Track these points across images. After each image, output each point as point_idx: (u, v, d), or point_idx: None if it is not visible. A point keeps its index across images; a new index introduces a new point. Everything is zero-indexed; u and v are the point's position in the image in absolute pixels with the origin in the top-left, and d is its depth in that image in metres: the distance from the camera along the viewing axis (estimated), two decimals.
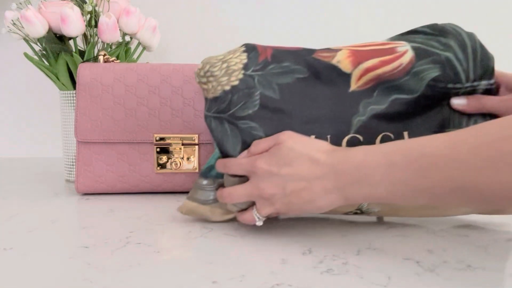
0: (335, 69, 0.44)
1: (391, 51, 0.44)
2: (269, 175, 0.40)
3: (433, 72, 0.44)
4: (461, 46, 0.44)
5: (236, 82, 0.44)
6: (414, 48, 0.44)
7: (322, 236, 0.43)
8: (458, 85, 0.44)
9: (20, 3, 0.72)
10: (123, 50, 0.75)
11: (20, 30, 0.71)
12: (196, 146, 0.61)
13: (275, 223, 0.48)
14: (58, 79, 0.72)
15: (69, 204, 0.57)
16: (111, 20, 0.68)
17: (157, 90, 0.61)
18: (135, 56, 0.80)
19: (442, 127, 0.46)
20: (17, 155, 1.03)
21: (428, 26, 0.46)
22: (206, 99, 0.47)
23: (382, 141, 0.46)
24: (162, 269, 0.35)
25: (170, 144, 0.61)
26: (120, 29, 0.72)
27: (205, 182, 0.48)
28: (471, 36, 0.44)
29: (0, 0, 0.97)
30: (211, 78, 0.45)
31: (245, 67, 0.44)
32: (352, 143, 0.45)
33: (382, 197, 0.36)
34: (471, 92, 0.45)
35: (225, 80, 0.44)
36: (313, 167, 0.38)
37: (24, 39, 0.72)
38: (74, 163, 0.72)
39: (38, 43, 0.72)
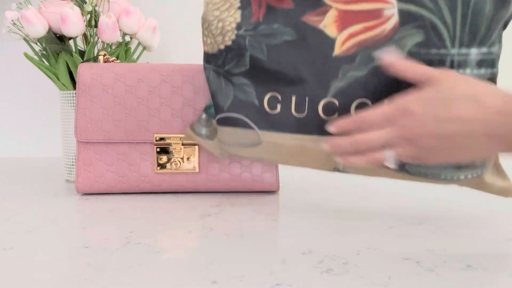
0: (321, 33, 0.45)
1: (378, 14, 0.44)
2: (426, 117, 0.36)
3: (416, 38, 0.43)
4: (451, 8, 0.42)
5: (229, 43, 0.48)
6: (400, 12, 0.43)
7: (322, 236, 0.43)
8: (443, 51, 0.42)
9: (20, 3, 0.72)
10: (123, 50, 0.75)
11: (20, 30, 0.71)
12: (196, 146, 0.61)
13: (275, 223, 0.48)
14: (58, 79, 0.72)
15: (69, 204, 0.57)
16: (111, 20, 0.68)
17: (157, 90, 0.61)
18: (135, 56, 0.80)
19: None
20: (17, 155, 1.03)
21: None
22: (204, 52, 0.51)
23: (357, 108, 0.46)
24: (162, 269, 0.35)
25: (170, 144, 0.61)
26: (120, 29, 0.72)
27: (203, 116, 0.56)
28: None
29: (0, 0, 0.97)
30: (209, 35, 0.50)
31: (238, 27, 0.48)
32: (328, 107, 0.46)
33: None
34: (461, 63, 0.42)
35: (220, 40, 0.49)
36: (478, 109, 0.34)
37: (24, 39, 0.72)
38: (74, 163, 0.72)
39: (38, 43, 0.72)
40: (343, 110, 0.47)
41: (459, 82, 0.36)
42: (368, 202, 0.58)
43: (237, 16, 0.48)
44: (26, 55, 0.72)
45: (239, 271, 0.34)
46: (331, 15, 0.45)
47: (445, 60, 0.42)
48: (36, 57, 0.74)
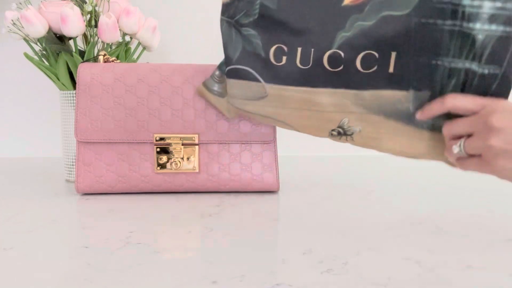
0: None
1: None
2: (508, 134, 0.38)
3: None
4: None
5: None
6: None
7: (322, 236, 0.43)
8: (455, 0, 0.41)
9: (20, 3, 0.72)
10: (123, 50, 0.74)
11: (20, 30, 0.71)
12: (196, 146, 0.61)
13: (275, 223, 0.48)
14: (58, 79, 0.72)
15: (69, 204, 0.57)
16: (111, 20, 0.68)
17: (157, 90, 0.61)
18: (135, 56, 0.80)
19: (436, 54, 0.43)
20: (17, 155, 1.03)
21: None
22: (222, 3, 0.51)
23: (363, 59, 0.45)
24: (162, 269, 0.35)
25: (170, 144, 0.61)
26: (120, 29, 0.72)
27: (217, 73, 0.56)
28: None
29: (0, 0, 0.97)
30: None
31: None
32: (333, 58, 0.46)
33: None
34: (473, 16, 0.40)
35: None
36: None
37: (24, 39, 0.72)
38: (74, 163, 0.72)
39: (38, 43, 0.72)
40: (349, 63, 0.46)
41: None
42: (368, 202, 0.58)
43: None
44: (26, 55, 0.72)
45: (239, 271, 0.34)
46: None
47: (457, 11, 0.41)
48: (36, 57, 0.73)
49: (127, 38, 0.73)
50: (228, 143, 0.62)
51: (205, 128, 0.61)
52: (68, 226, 0.46)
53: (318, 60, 0.47)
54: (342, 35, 0.45)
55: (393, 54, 0.44)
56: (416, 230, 0.46)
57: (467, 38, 0.42)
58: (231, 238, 0.42)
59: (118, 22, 0.71)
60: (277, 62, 0.49)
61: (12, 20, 0.71)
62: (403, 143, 0.49)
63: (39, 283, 0.32)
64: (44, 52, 0.73)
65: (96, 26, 0.70)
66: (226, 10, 0.51)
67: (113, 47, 0.74)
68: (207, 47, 1.00)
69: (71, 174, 0.72)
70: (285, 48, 0.48)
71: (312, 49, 0.47)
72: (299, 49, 0.48)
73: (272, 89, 0.50)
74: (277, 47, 0.49)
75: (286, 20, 0.47)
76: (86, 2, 0.70)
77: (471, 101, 0.42)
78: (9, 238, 0.42)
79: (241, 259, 0.37)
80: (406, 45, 0.44)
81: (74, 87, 0.71)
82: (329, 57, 0.46)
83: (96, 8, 0.70)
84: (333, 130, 0.50)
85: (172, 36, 0.99)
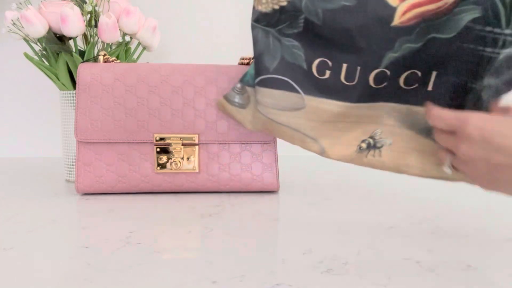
0: (382, 1, 0.44)
1: None
2: (477, 143, 0.38)
3: (474, 14, 0.43)
4: None
5: (285, 3, 0.47)
6: None
7: (322, 236, 0.43)
8: (497, 30, 0.43)
9: (20, 3, 0.72)
10: (123, 50, 0.75)
11: (20, 30, 0.71)
12: (196, 146, 0.61)
13: (275, 223, 0.48)
14: (58, 79, 0.72)
15: (69, 204, 0.57)
16: (111, 20, 0.68)
17: (157, 90, 0.61)
18: (135, 56, 0.80)
19: (474, 77, 0.45)
20: (17, 155, 1.03)
21: None
22: (254, 8, 0.49)
23: (406, 78, 0.47)
24: (162, 269, 0.35)
25: (170, 144, 0.61)
26: (120, 29, 0.72)
27: (238, 85, 0.56)
28: None
29: (0, 0, 0.97)
30: None
31: None
32: (379, 76, 0.47)
33: None
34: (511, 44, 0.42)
35: (275, 1, 0.47)
36: None
37: (24, 39, 0.72)
38: (74, 163, 0.72)
39: (38, 43, 0.72)
40: (393, 80, 0.47)
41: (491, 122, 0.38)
42: (368, 202, 0.58)
43: None
44: (26, 55, 0.72)
45: (239, 271, 0.34)
46: None
47: (498, 39, 0.43)
48: (36, 57, 0.73)
49: (127, 38, 0.73)
50: (228, 143, 0.62)
51: (205, 128, 0.61)
52: (68, 226, 0.46)
53: (364, 78, 0.47)
54: (390, 56, 0.46)
55: (434, 74, 0.46)
56: (416, 230, 0.46)
57: (504, 66, 0.43)
58: (231, 238, 0.42)
59: (118, 22, 0.71)
60: (319, 76, 0.48)
61: (12, 20, 0.71)
62: (431, 161, 0.49)
63: (39, 283, 0.32)
64: (44, 52, 0.73)
65: (96, 26, 0.70)
66: (264, 19, 0.49)
67: (113, 47, 0.74)
68: (207, 47, 1.00)
69: (71, 174, 0.72)
70: (329, 63, 0.48)
71: (359, 67, 0.47)
72: (344, 66, 0.47)
73: (311, 101, 0.49)
74: (321, 60, 0.48)
75: (331, 36, 0.47)
76: (86, 2, 0.70)
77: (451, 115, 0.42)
78: (9, 238, 0.42)
79: (241, 259, 0.37)
80: (446, 66, 0.45)
81: (74, 87, 0.71)
82: (376, 75, 0.47)
83: (96, 8, 0.70)
84: (363, 141, 0.50)
85: (172, 36, 0.99)
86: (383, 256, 0.38)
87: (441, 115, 0.42)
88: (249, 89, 0.55)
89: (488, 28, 0.43)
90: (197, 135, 0.61)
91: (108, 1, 0.71)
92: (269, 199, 0.60)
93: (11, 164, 0.91)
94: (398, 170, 0.51)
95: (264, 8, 0.49)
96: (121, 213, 0.52)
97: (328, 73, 0.48)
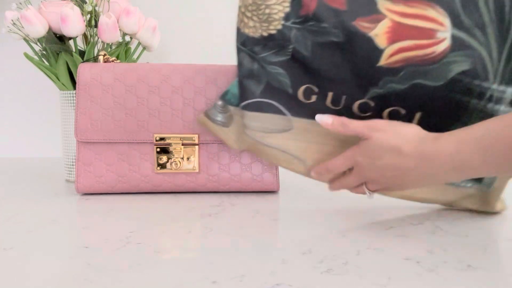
0: (370, 42, 0.44)
1: (431, 34, 0.43)
2: (368, 165, 0.45)
3: (463, 66, 0.44)
4: (500, 45, 0.43)
5: (274, 32, 0.47)
6: (453, 37, 0.43)
7: (322, 236, 0.43)
8: (484, 84, 0.44)
9: (20, 3, 0.72)
10: (123, 50, 0.75)
11: (20, 30, 0.71)
12: (196, 146, 0.61)
13: (275, 223, 0.48)
14: (58, 79, 0.72)
15: (69, 204, 0.57)
16: (111, 20, 0.68)
17: (157, 90, 0.61)
18: (135, 56, 0.80)
19: (457, 120, 0.47)
20: (17, 155, 1.03)
21: (495, 11, 0.44)
22: (239, 30, 0.49)
23: (390, 114, 0.48)
24: (162, 269, 0.35)
25: (170, 144, 0.61)
26: (120, 29, 0.72)
27: (219, 103, 0.55)
28: None
29: (0, 0, 0.97)
30: (253, 18, 0.47)
31: (286, 17, 0.46)
32: (364, 105, 0.48)
33: (484, 175, 0.40)
34: (498, 100, 0.44)
35: (264, 26, 0.47)
36: (404, 160, 0.42)
37: (24, 39, 0.72)
38: (74, 163, 0.72)
39: (38, 43, 0.72)
40: (377, 112, 0.48)
41: (386, 135, 0.43)
42: (368, 202, 0.58)
43: (286, 5, 0.46)
44: (26, 55, 0.72)
45: (239, 271, 0.34)
46: (384, 25, 0.44)
47: (485, 93, 0.44)
48: (36, 57, 0.73)
49: (127, 38, 0.73)
50: None
51: (205, 128, 0.61)
52: (68, 226, 0.46)
53: (348, 105, 0.48)
54: (374, 91, 0.47)
55: (418, 114, 0.47)
56: (416, 230, 0.46)
57: (488, 115, 0.45)
58: (231, 238, 0.42)
59: (118, 22, 0.71)
60: (306, 100, 0.49)
61: (12, 20, 0.71)
62: None
63: (39, 283, 0.32)
64: (44, 52, 0.73)
65: (96, 26, 0.70)
66: (250, 43, 0.49)
67: (113, 47, 0.74)
68: (207, 47, 1.00)
69: (71, 174, 0.72)
70: (315, 89, 0.48)
71: (344, 96, 0.48)
72: (330, 94, 0.48)
73: (298, 122, 0.49)
74: (307, 87, 0.48)
75: (318, 67, 0.47)
76: (86, 2, 0.70)
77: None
78: (9, 238, 0.42)
79: (241, 259, 0.37)
80: (430, 109, 0.46)
81: (74, 87, 0.71)
82: (360, 104, 0.48)
83: (96, 8, 0.70)
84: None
85: (172, 36, 0.99)
86: (383, 256, 0.38)
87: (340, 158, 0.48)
88: (231, 108, 0.54)
89: (477, 82, 0.44)
90: (197, 135, 0.61)
91: (108, 1, 0.71)
92: (269, 199, 0.60)
93: (11, 164, 0.91)
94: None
95: (251, 32, 0.48)
96: (121, 213, 0.52)
97: (314, 97, 0.49)
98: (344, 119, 0.46)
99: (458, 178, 0.41)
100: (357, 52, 0.45)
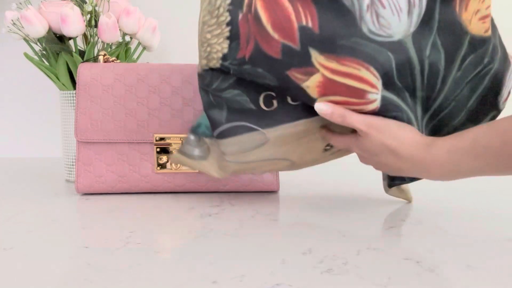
0: (303, 90, 0.45)
1: (361, 94, 0.43)
2: (365, 156, 0.47)
3: None
4: (423, 109, 0.46)
5: (214, 66, 0.47)
6: (383, 99, 0.44)
7: (322, 236, 0.43)
8: None
9: (20, 3, 0.72)
10: (123, 50, 0.75)
11: (20, 30, 0.71)
12: None
13: (275, 223, 0.48)
14: (58, 79, 0.72)
15: (69, 204, 0.57)
16: (111, 20, 0.68)
17: (157, 90, 0.61)
18: (135, 56, 0.80)
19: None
20: (17, 155, 1.03)
21: (428, 78, 0.45)
22: (197, 73, 0.51)
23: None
24: (162, 269, 0.35)
25: (170, 144, 0.61)
26: (120, 29, 0.72)
27: (192, 137, 0.54)
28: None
29: (0, 0, 0.97)
30: (200, 53, 0.49)
31: (224, 58, 0.46)
32: None
33: (474, 176, 0.41)
34: None
35: (204, 62, 0.48)
36: (399, 161, 0.44)
37: (24, 39, 0.72)
38: (74, 163, 0.72)
39: (38, 43, 0.72)
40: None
41: (383, 135, 0.44)
42: (368, 202, 0.58)
43: (224, 46, 0.46)
44: (26, 55, 0.72)
45: (239, 271, 0.34)
46: (316, 79, 0.44)
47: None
48: (36, 57, 0.74)
49: (127, 38, 0.73)
50: None
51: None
52: (68, 226, 0.46)
53: (307, 98, 0.47)
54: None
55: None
56: (416, 230, 0.46)
57: None
58: (231, 238, 0.42)
59: (118, 22, 0.71)
60: (268, 108, 0.49)
61: (12, 20, 0.71)
62: None
63: (39, 283, 0.32)
64: (44, 52, 0.73)
65: (96, 26, 0.70)
66: (201, 80, 0.50)
67: (113, 47, 0.74)
68: None
69: (71, 174, 0.72)
70: (273, 94, 0.48)
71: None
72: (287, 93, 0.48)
73: (272, 132, 0.49)
74: (265, 95, 0.48)
75: (265, 75, 0.46)
76: (86, 2, 0.70)
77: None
78: (9, 238, 0.42)
79: (241, 259, 0.37)
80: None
81: (74, 87, 0.71)
82: None
83: (96, 8, 0.70)
84: (327, 145, 0.52)
85: (172, 36, 0.99)
86: (383, 256, 0.38)
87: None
88: (207, 140, 0.53)
89: None
90: None
91: (108, 1, 0.71)
92: (269, 199, 0.60)
93: (11, 164, 0.91)
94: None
95: (199, 68, 0.49)
96: (121, 213, 0.52)
97: (275, 102, 0.48)
98: (345, 111, 0.45)
99: (450, 179, 0.43)
100: (293, 94, 0.46)
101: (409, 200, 0.58)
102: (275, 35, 0.43)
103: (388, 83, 0.43)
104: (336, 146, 0.49)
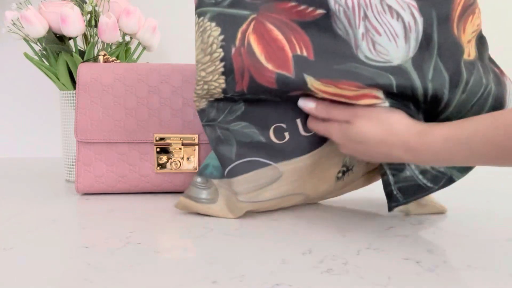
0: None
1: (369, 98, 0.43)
2: (345, 144, 0.44)
3: None
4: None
5: (222, 96, 0.47)
6: (391, 103, 0.43)
7: (322, 236, 0.43)
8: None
9: (20, 3, 0.72)
10: (123, 50, 0.75)
11: (20, 30, 0.71)
12: (196, 146, 0.61)
13: (275, 223, 0.48)
14: (58, 79, 0.72)
15: (69, 204, 0.57)
16: (111, 20, 0.68)
17: (157, 90, 0.61)
18: (135, 56, 0.80)
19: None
20: (17, 155, 1.03)
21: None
22: (197, 111, 0.50)
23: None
24: (162, 269, 0.35)
25: (170, 144, 0.61)
26: (120, 29, 0.72)
27: (198, 180, 0.51)
28: None
29: (0, 0, 0.97)
30: (195, 94, 0.48)
31: (224, 91, 0.46)
32: None
33: (469, 165, 0.40)
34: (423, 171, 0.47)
35: (207, 97, 0.48)
36: (387, 149, 0.41)
37: (24, 39, 0.72)
38: (74, 163, 0.72)
39: (38, 43, 0.72)
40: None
41: (370, 123, 0.42)
42: (368, 202, 0.58)
43: (221, 81, 0.46)
44: (26, 55, 0.72)
45: (239, 271, 0.34)
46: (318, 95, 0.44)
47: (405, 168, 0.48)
48: (36, 57, 0.74)
49: (127, 38, 0.73)
50: None
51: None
52: (68, 226, 0.46)
53: None
54: None
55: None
56: (416, 230, 0.46)
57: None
58: (231, 238, 0.42)
59: (118, 22, 0.71)
60: (280, 141, 0.48)
61: (12, 20, 0.71)
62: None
63: (39, 283, 0.32)
64: (44, 52, 0.73)
65: (96, 26, 0.70)
66: (203, 116, 0.49)
67: (113, 47, 0.74)
68: None
69: (71, 174, 0.72)
70: (284, 125, 0.47)
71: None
72: (298, 120, 0.47)
73: (285, 166, 0.48)
74: (275, 127, 0.48)
75: (268, 97, 0.46)
76: (86, 2, 0.70)
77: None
78: (9, 238, 0.42)
79: (241, 259, 0.37)
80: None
81: (74, 87, 0.71)
82: None
83: (96, 8, 0.70)
84: (338, 172, 0.52)
85: (172, 36, 0.99)
86: (383, 256, 0.38)
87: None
88: (215, 181, 0.51)
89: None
90: (197, 135, 0.61)
91: (108, 1, 0.71)
92: None
93: (11, 164, 0.91)
94: (369, 181, 0.57)
95: (198, 107, 0.49)
96: (121, 213, 0.52)
97: (286, 134, 0.48)
98: (328, 105, 0.44)
99: (442, 166, 0.42)
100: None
101: (442, 211, 0.53)
102: (269, 66, 0.43)
103: (390, 95, 0.42)
104: (317, 132, 0.47)
